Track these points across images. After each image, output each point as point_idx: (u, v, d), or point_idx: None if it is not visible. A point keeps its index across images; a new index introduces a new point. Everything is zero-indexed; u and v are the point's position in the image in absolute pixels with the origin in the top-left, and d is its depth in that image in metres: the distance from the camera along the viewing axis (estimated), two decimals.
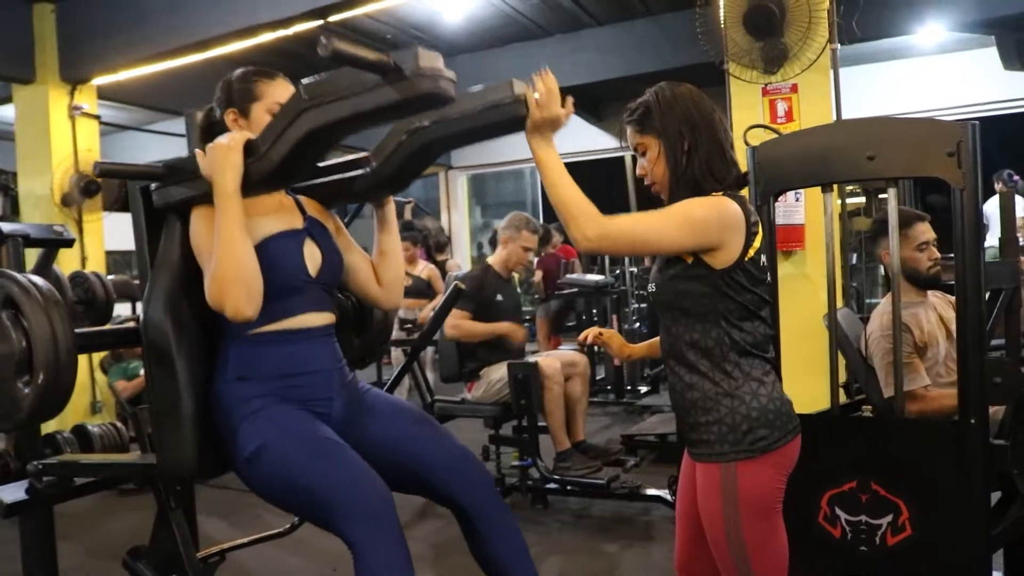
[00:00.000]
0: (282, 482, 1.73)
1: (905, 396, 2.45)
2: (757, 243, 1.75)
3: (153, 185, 1.86)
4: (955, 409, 2.25)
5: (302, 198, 2.02)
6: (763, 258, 1.78)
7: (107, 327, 2.39)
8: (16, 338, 1.69)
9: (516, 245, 4.31)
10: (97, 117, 6.39)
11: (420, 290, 6.13)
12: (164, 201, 1.85)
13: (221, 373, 1.82)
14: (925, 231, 2.76)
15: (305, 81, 1.61)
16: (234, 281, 1.69)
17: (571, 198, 1.69)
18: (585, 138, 9.91)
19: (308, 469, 1.70)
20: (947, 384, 2.61)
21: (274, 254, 1.81)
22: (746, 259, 1.72)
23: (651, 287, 1.84)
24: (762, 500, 1.73)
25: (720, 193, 1.76)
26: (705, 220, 1.70)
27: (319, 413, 1.84)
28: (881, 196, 3.19)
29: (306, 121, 1.63)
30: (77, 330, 1.83)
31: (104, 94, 6.55)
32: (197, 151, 1.76)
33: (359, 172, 1.91)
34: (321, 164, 1.98)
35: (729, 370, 1.73)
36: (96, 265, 5.97)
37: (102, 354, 5.64)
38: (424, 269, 6.50)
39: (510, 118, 1.68)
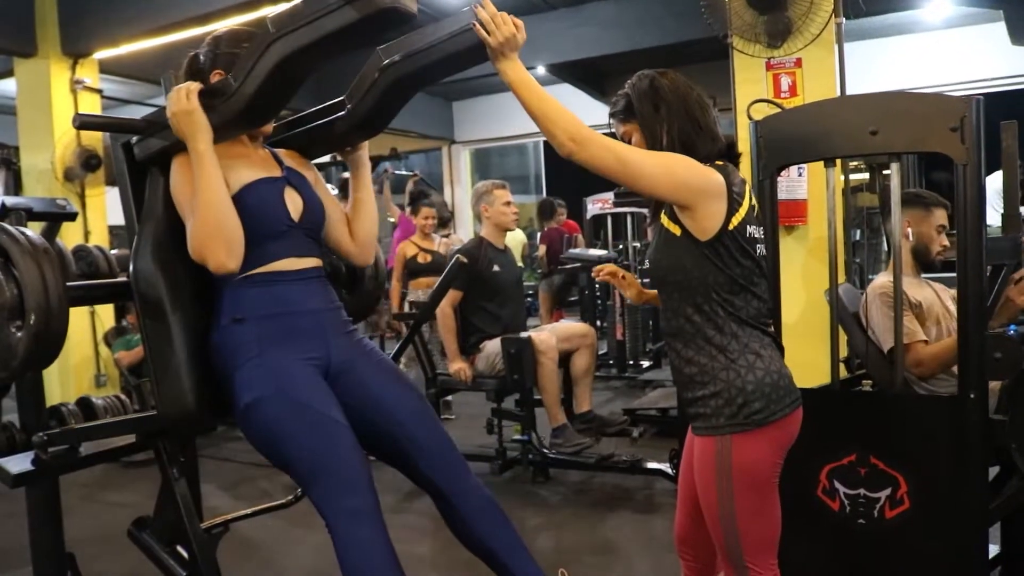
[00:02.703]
0: (269, 443, 1.76)
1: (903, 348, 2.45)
2: (742, 213, 1.75)
3: (135, 138, 1.89)
4: (954, 361, 2.26)
5: (280, 150, 2.02)
6: (751, 229, 1.78)
7: (99, 281, 2.42)
8: (7, 286, 1.73)
9: (495, 207, 4.27)
10: (99, 91, 6.36)
11: (441, 267, 5.07)
12: (144, 153, 1.88)
13: (217, 319, 1.84)
14: (942, 217, 2.76)
15: (271, 14, 1.63)
16: (214, 237, 1.72)
17: (553, 108, 1.71)
18: (588, 112, 9.86)
19: (295, 442, 1.72)
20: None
21: (254, 201, 1.83)
22: (730, 228, 1.73)
23: (647, 264, 1.86)
24: (756, 473, 1.74)
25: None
26: (684, 178, 1.72)
27: (315, 359, 1.84)
28: (885, 172, 3.18)
29: (274, 52, 1.66)
30: (70, 283, 1.86)
31: (106, 68, 6.51)
32: None
33: (335, 117, 1.93)
34: (297, 115, 2.01)
35: (725, 343, 1.74)
36: (99, 239, 5.97)
37: (106, 328, 5.67)
38: (441, 243, 6.14)
39: (470, 46, 1.72)
